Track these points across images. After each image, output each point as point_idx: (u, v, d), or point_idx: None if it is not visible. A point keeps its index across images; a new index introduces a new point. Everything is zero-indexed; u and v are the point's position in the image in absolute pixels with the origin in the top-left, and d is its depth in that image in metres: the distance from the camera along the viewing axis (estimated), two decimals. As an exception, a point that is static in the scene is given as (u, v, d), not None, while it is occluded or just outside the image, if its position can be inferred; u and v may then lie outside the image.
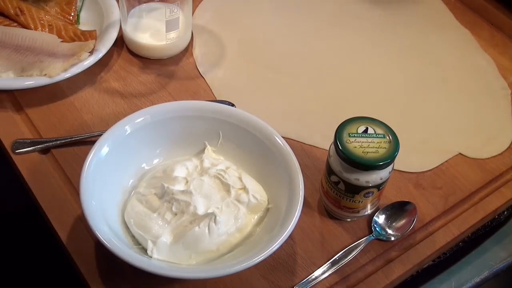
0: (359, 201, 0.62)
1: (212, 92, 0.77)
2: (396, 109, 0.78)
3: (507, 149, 0.74)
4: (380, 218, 0.65)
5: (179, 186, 0.60)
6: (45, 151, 0.69)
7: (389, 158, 0.58)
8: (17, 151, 0.68)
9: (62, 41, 0.77)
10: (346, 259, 0.62)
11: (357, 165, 0.58)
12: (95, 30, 0.78)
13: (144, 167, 0.65)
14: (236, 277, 0.59)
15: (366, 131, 0.60)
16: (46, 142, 0.69)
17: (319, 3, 0.92)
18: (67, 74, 0.73)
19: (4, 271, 0.98)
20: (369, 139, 0.59)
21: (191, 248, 0.57)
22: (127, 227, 0.60)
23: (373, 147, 0.58)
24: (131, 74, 0.78)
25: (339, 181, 0.60)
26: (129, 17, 0.79)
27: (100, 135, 0.61)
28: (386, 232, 0.64)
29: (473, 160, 0.73)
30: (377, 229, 0.64)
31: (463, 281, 0.66)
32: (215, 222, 0.58)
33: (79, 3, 0.83)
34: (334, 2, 0.93)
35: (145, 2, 0.79)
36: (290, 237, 0.56)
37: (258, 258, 0.54)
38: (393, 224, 0.65)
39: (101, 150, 0.60)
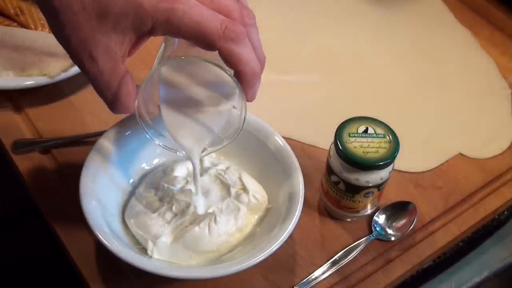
0: (359, 201, 0.62)
1: (212, 92, 0.77)
2: (396, 109, 0.78)
3: (507, 149, 0.74)
4: (380, 218, 0.65)
5: (179, 186, 0.60)
6: (45, 151, 0.69)
7: (389, 158, 0.58)
8: (17, 151, 0.68)
9: (62, 41, 0.77)
10: (346, 259, 0.62)
11: (357, 165, 0.58)
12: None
13: (144, 167, 0.65)
14: (236, 277, 0.58)
15: (366, 131, 0.60)
16: (46, 142, 0.69)
17: (319, 2, 0.92)
18: (67, 74, 0.73)
19: (4, 271, 0.98)
20: (369, 139, 0.59)
21: (191, 248, 0.57)
22: (127, 227, 0.59)
23: (373, 147, 0.58)
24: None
25: (339, 181, 0.60)
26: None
27: (100, 135, 0.61)
28: (386, 232, 0.64)
29: (473, 160, 0.73)
30: (377, 229, 0.64)
31: (463, 281, 0.66)
32: (215, 222, 0.57)
33: (79, 3, 0.83)
34: (334, 2, 0.93)
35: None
36: (290, 237, 0.56)
37: (258, 258, 0.54)
38: (393, 224, 0.65)
39: (101, 150, 0.60)
